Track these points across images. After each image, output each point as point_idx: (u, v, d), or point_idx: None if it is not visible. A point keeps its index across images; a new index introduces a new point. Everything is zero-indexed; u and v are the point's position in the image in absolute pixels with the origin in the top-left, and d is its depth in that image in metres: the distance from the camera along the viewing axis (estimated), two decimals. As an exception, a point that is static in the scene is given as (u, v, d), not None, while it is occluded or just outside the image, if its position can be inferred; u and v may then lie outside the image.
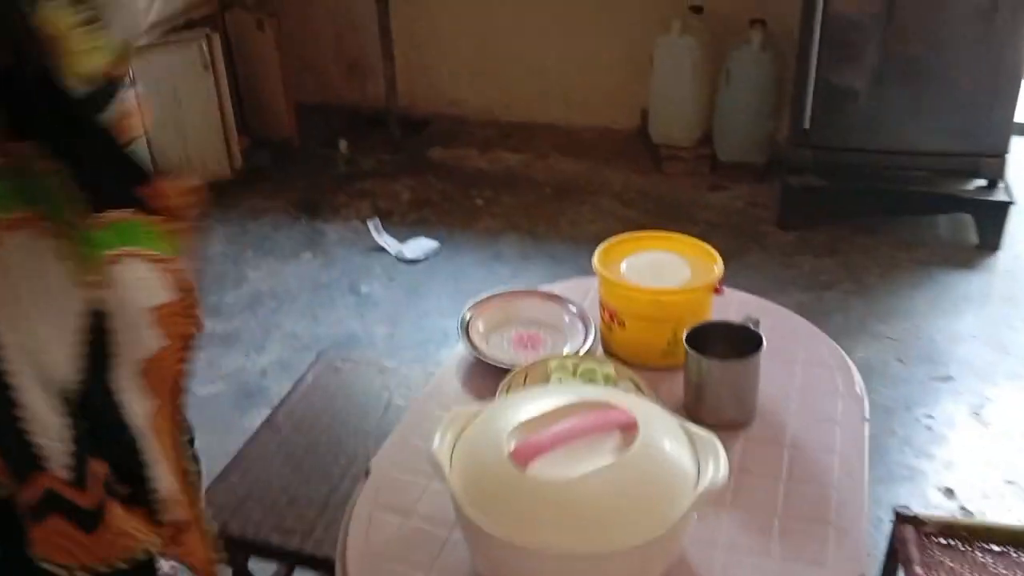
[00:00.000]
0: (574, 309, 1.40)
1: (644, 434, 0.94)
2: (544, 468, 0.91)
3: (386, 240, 2.91)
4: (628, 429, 0.95)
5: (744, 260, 2.80)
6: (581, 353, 1.30)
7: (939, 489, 1.94)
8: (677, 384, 1.21)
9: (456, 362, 1.34)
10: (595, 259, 1.32)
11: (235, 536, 1.36)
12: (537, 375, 1.24)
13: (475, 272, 2.81)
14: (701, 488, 0.90)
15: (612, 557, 0.87)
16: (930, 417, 2.16)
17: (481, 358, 1.29)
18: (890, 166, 2.92)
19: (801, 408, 1.21)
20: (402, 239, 2.93)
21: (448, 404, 1.24)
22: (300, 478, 1.45)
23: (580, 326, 1.37)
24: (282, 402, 1.62)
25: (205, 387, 2.17)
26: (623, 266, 1.33)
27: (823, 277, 2.73)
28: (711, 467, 0.93)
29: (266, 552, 1.39)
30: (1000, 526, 1.38)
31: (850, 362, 1.31)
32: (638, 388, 1.21)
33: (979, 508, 1.89)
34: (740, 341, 1.19)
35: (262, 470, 1.47)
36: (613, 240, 1.38)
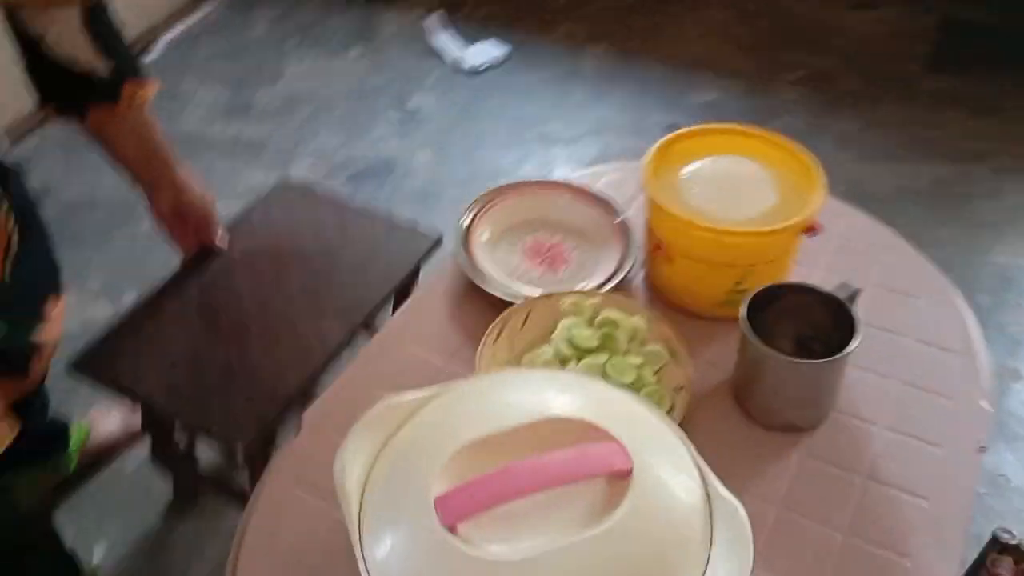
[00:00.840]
0: (617, 216, 1.02)
1: (638, 490, 0.60)
2: (481, 534, 0.60)
3: (444, 42, 2.46)
4: (618, 476, 0.62)
5: (876, 110, 2.25)
6: (611, 286, 0.94)
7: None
8: (734, 347, 0.85)
9: (448, 276, 1.00)
10: (645, 162, 0.92)
11: (126, 388, 1.12)
12: (543, 316, 0.90)
13: (544, 92, 2.36)
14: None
15: None
16: (1074, 359, 1.70)
17: (475, 281, 0.95)
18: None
19: (897, 411, 0.83)
20: (466, 40, 2.48)
21: (426, 341, 0.92)
22: (209, 338, 1.16)
23: (619, 243, 1.00)
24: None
25: (221, 201, 1.92)
26: (683, 175, 0.92)
27: (974, 145, 2.16)
28: (726, 551, 0.60)
29: (153, 412, 1.18)
30: None
31: (983, 351, 0.91)
32: (673, 355, 0.85)
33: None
34: (824, 318, 0.81)
35: (171, 321, 1.18)
36: (679, 133, 0.96)
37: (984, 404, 0.84)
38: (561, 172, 2.08)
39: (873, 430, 0.82)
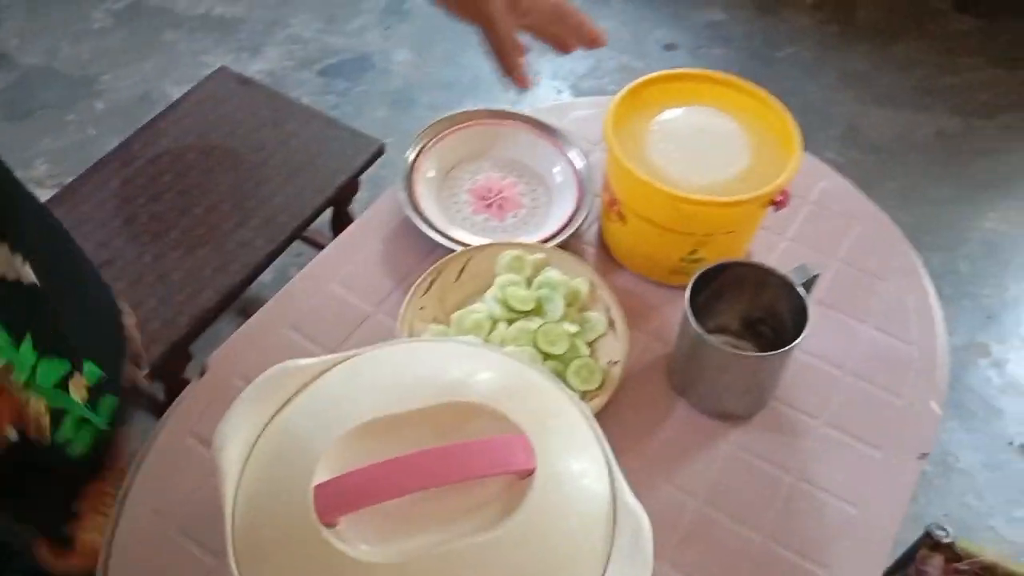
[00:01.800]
0: (576, 162, 0.94)
1: (538, 494, 0.56)
2: (362, 529, 0.55)
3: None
4: (520, 476, 0.58)
5: (890, 48, 2.12)
6: (559, 240, 0.87)
7: (1013, 444, 1.51)
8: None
9: (389, 211, 0.92)
10: (610, 108, 0.83)
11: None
12: (481, 268, 0.83)
13: (542, -5, 2.21)
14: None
15: None
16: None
17: (415, 222, 0.88)
18: None
19: (841, 406, 0.79)
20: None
21: (355, 283, 0.86)
22: (128, 233, 1.09)
23: (574, 191, 0.92)
24: (148, 124, 1.23)
25: (178, 86, 1.81)
26: (652, 126, 0.84)
27: (986, 96, 2.05)
28: (625, 568, 0.56)
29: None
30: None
31: (943, 347, 0.85)
32: (612, 326, 0.80)
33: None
34: (778, 299, 0.75)
35: (86, 216, 1.11)
36: (653, 76, 0.87)
37: (934, 406, 0.79)
38: (545, 88, 1.96)
39: (812, 424, 0.77)
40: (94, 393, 0.74)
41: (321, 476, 0.54)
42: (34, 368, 0.69)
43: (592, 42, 0.76)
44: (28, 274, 0.69)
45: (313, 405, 0.61)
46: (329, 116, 1.23)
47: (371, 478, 0.54)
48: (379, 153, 1.17)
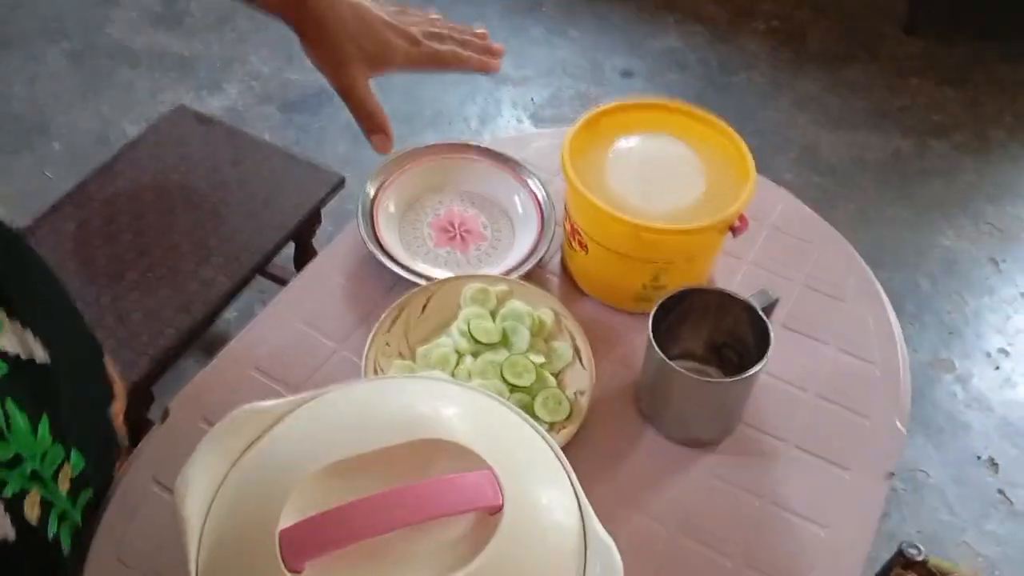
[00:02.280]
0: (538, 193, 0.94)
1: (507, 529, 0.55)
2: (330, 573, 0.54)
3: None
4: (487, 512, 0.57)
5: (843, 71, 2.17)
6: (524, 271, 0.87)
7: (981, 458, 1.53)
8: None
9: (352, 244, 0.91)
10: (566, 139, 0.84)
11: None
12: (445, 302, 0.83)
13: (499, 26, 2.23)
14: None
15: None
16: (1004, 353, 1.68)
17: (378, 257, 0.87)
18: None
19: (808, 428, 0.79)
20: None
21: (319, 320, 0.85)
22: (86, 275, 1.07)
23: (536, 222, 0.92)
24: (105, 165, 1.21)
25: (136, 126, 1.78)
26: (609, 154, 0.85)
27: (937, 117, 2.11)
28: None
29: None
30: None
31: (905, 366, 0.86)
32: (578, 357, 0.80)
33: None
34: (741, 324, 0.75)
35: (47, 252, 1.07)
36: (609, 106, 0.88)
37: (899, 424, 0.80)
38: (505, 118, 1.98)
39: (781, 448, 0.78)
40: (76, 485, 0.69)
41: (287, 520, 0.53)
42: (44, 456, 0.64)
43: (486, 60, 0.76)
44: (40, 352, 0.65)
45: (277, 448, 0.60)
46: (288, 151, 1.23)
47: (338, 520, 0.53)
48: (340, 186, 1.17)
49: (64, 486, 0.67)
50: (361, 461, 0.57)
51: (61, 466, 0.67)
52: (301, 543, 0.52)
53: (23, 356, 0.63)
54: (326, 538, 0.53)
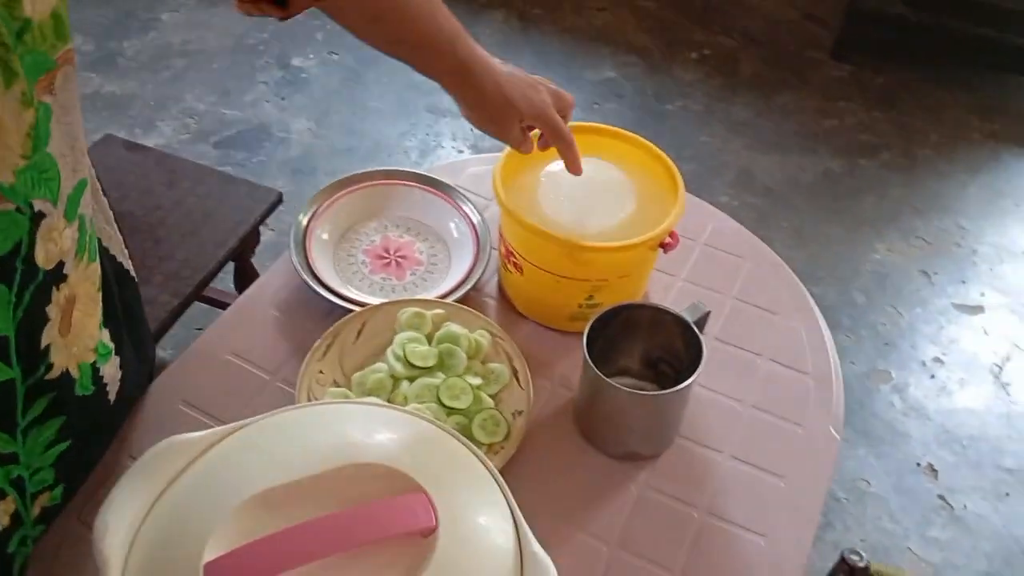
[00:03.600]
0: (472, 216, 0.94)
1: (442, 551, 0.54)
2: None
3: None
4: (421, 534, 0.56)
5: (774, 96, 2.24)
6: (459, 294, 0.87)
7: (921, 465, 1.57)
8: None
9: (284, 275, 0.90)
10: (498, 164, 0.84)
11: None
12: (379, 328, 0.82)
13: (439, 60, 2.25)
14: None
15: None
16: (939, 362, 1.73)
17: (311, 284, 0.86)
18: (994, 5, 2.25)
19: (744, 438, 0.80)
20: None
21: (251, 351, 0.83)
22: None
23: (472, 246, 0.92)
24: None
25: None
26: (540, 178, 0.86)
27: (865, 137, 2.18)
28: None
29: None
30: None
31: (837, 375, 0.88)
32: (516, 378, 0.79)
33: (971, 505, 1.53)
34: (675, 338, 0.76)
35: None
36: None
37: (833, 432, 0.81)
38: (446, 149, 1.99)
39: (718, 459, 0.78)
40: (45, 515, 0.69)
41: (211, 554, 0.52)
42: (35, 472, 0.65)
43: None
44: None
45: (202, 480, 0.58)
46: (223, 172, 1.22)
47: (264, 551, 0.52)
48: (278, 202, 1.16)
49: (36, 511, 0.67)
50: (291, 489, 0.56)
51: (43, 491, 0.67)
52: (228, 575, 0.51)
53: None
54: (251, 570, 0.51)
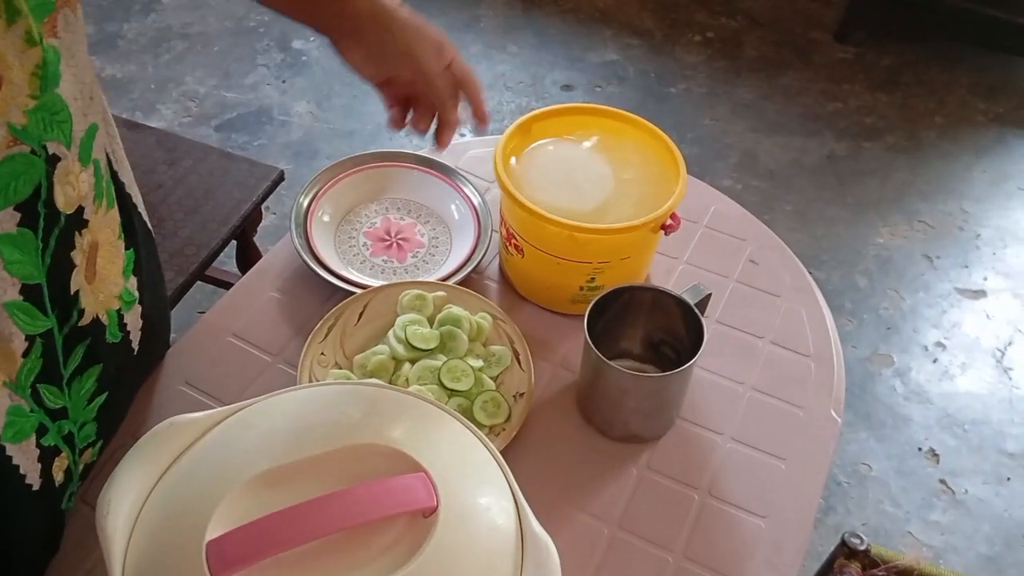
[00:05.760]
0: (473, 199, 0.94)
1: (442, 531, 0.54)
2: (260, 583, 0.53)
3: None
4: (422, 514, 0.56)
5: (778, 78, 2.22)
6: (461, 276, 0.87)
7: (922, 450, 1.57)
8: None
9: (286, 257, 0.90)
10: (499, 145, 0.84)
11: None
12: (381, 310, 0.82)
13: (441, 42, 2.24)
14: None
15: None
16: (941, 347, 1.72)
17: (312, 267, 0.86)
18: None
19: (745, 420, 0.80)
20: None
21: (254, 332, 0.83)
22: None
23: (473, 228, 0.92)
24: None
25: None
26: (542, 160, 0.85)
27: (869, 120, 2.17)
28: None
29: None
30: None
31: (839, 357, 0.88)
32: (517, 360, 0.79)
33: (972, 489, 1.53)
34: (676, 320, 0.76)
35: None
36: (541, 112, 0.88)
37: (834, 414, 0.81)
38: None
39: (718, 441, 0.78)
40: (86, 471, 0.71)
41: (214, 531, 0.52)
42: (82, 427, 0.67)
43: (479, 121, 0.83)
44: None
45: (204, 459, 0.58)
46: (224, 150, 1.21)
47: (266, 529, 0.52)
48: (280, 179, 1.16)
49: (80, 467, 0.69)
50: (292, 469, 0.56)
51: (88, 447, 0.69)
52: (228, 554, 0.51)
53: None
54: (254, 548, 0.51)
